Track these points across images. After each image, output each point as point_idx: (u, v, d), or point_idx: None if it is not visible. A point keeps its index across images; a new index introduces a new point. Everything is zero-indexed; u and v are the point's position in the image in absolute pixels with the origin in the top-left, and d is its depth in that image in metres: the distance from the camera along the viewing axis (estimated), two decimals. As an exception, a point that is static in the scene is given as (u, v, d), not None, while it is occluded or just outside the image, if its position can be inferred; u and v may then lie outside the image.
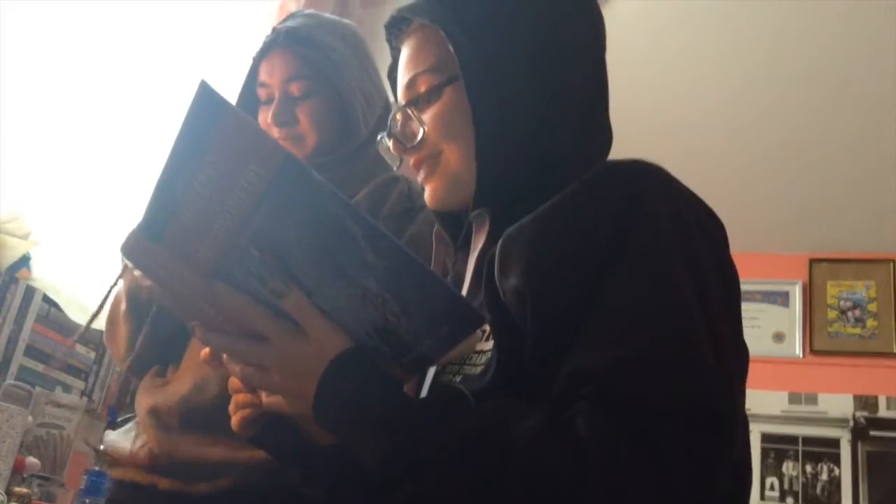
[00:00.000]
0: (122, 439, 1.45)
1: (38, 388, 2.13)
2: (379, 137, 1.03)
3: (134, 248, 0.76)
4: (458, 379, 0.84)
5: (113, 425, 1.60)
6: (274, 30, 1.51)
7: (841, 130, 3.36)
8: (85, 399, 2.34)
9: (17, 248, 2.06)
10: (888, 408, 3.69)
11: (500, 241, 0.86)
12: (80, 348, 2.36)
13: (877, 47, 2.99)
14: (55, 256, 2.13)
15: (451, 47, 0.94)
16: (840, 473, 3.64)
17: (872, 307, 3.88)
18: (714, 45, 3.12)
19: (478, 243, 0.96)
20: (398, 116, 1.01)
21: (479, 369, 0.82)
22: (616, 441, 0.69)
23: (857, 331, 3.86)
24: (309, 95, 1.48)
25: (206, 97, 0.67)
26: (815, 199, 3.71)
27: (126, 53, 2.28)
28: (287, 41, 1.48)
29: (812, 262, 4.00)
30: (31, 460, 2.00)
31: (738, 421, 0.77)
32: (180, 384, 1.40)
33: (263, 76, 1.50)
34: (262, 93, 1.51)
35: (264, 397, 0.84)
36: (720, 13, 3.02)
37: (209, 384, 1.36)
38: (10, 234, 1.99)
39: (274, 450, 0.96)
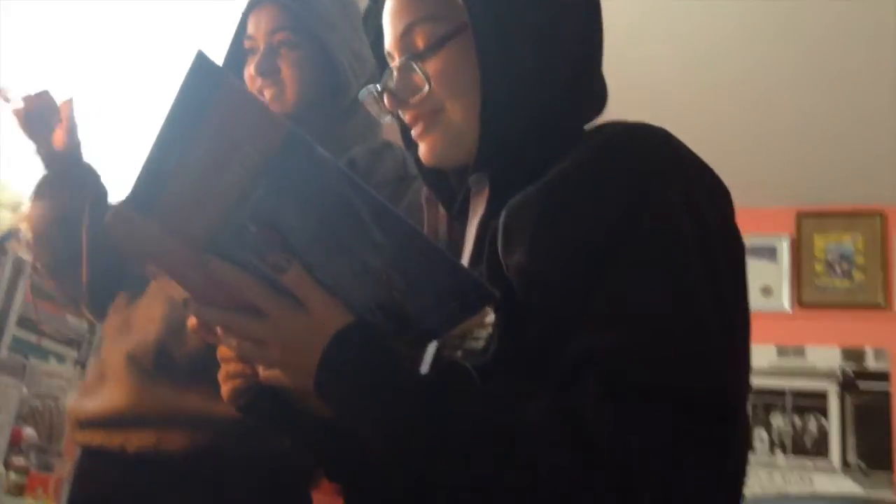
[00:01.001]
0: (82, 398, 1.44)
1: (31, 359, 2.13)
2: (364, 90, 0.97)
3: (121, 220, 0.74)
4: (459, 354, 0.83)
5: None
6: None
7: (827, 83, 3.35)
8: (79, 368, 2.34)
9: (7, 221, 2.04)
10: (875, 360, 3.73)
11: (503, 213, 0.83)
12: (71, 318, 2.35)
13: (864, 3, 2.98)
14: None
15: None
16: (828, 425, 3.69)
17: (860, 259, 3.90)
18: (702, 1, 3.10)
19: (477, 210, 0.93)
20: (395, 68, 0.95)
21: (480, 344, 0.81)
22: (625, 433, 0.68)
23: (845, 283, 3.89)
24: (293, 46, 1.48)
25: (204, 68, 0.64)
26: (801, 152, 3.71)
27: (112, 48, 2.26)
28: None
29: (799, 215, 4.01)
30: (28, 431, 2.01)
31: (745, 403, 0.77)
32: (150, 324, 1.39)
33: (250, 28, 1.50)
34: (248, 44, 1.51)
35: (261, 371, 0.83)
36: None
37: (185, 328, 1.34)
38: (1, 206, 1.97)
39: (266, 419, 0.95)
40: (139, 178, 0.70)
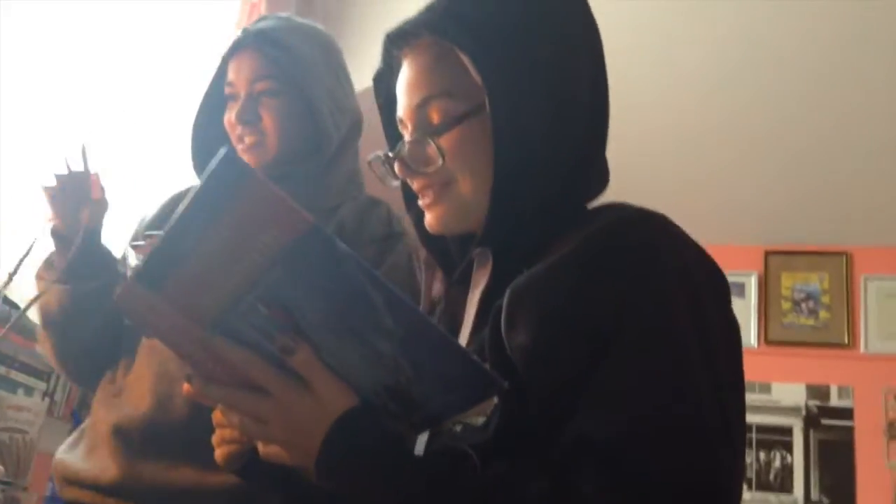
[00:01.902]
0: (72, 456, 1.42)
1: (0, 391, 2.10)
2: (374, 156, 0.99)
3: (130, 295, 0.74)
4: (458, 428, 0.84)
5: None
6: (244, 30, 1.50)
7: (799, 126, 3.41)
8: (47, 401, 2.31)
9: (-22, 253, 2.02)
10: (839, 397, 3.78)
11: (507, 293, 0.84)
12: (39, 349, 2.32)
13: (843, 47, 3.04)
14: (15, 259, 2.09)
15: (474, 73, 0.91)
16: (793, 461, 3.73)
17: (825, 299, 3.96)
18: (677, 42, 3.15)
19: (479, 282, 0.95)
20: (408, 139, 0.97)
21: (480, 421, 0.82)
22: None
23: (811, 322, 3.94)
24: (274, 95, 1.46)
25: (230, 164, 0.66)
26: (770, 192, 3.77)
27: (92, 59, 2.25)
28: (256, 41, 1.47)
29: (767, 253, 4.07)
30: (-6, 466, 1.98)
31: (740, 485, 0.78)
32: (139, 397, 1.37)
33: (231, 75, 1.48)
34: (228, 91, 1.49)
35: (261, 447, 0.83)
36: (684, 11, 3.05)
37: (173, 403, 1.34)
38: (-29, 238, 1.95)
39: (259, 481, 0.95)
40: (151, 256, 0.72)
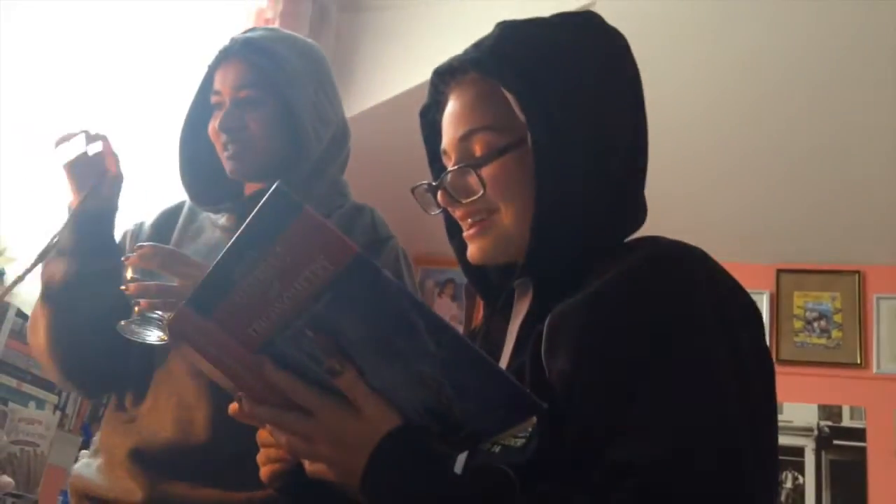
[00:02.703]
0: (90, 473, 1.42)
1: (11, 404, 2.11)
2: (418, 185, 1.04)
3: (182, 321, 0.78)
4: (496, 449, 0.86)
5: (87, 444, 1.57)
6: (231, 39, 1.52)
7: (809, 143, 3.41)
8: (59, 414, 2.32)
9: (-9, 265, 2.03)
10: (852, 417, 3.76)
11: (548, 319, 0.87)
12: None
13: (846, 65, 3.04)
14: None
15: (517, 109, 0.95)
16: (804, 482, 3.71)
17: (838, 318, 3.94)
18: (685, 60, 3.16)
19: (520, 311, 0.98)
20: (452, 169, 1.01)
21: (519, 442, 0.84)
22: None
23: (823, 341, 3.93)
24: (257, 103, 1.47)
25: (282, 197, 0.69)
26: (783, 210, 3.76)
27: (102, 64, 2.26)
28: (242, 50, 1.48)
29: (779, 272, 4.06)
30: (5, 479, 1.99)
31: None
32: (158, 425, 1.38)
33: (217, 83, 1.50)
34: (214, 99, 1.50)
35: (307, 465, 0.86)
36: (690, 28, 3.06)
37: (193, 428, 1.35)
38: (-15, 250, 1.97)
39: (300, 499, 0.97)
40: (203, 283, 0.75)
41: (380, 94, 3.36)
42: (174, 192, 1.62)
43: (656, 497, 0.73)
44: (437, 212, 1.04)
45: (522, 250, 0.96)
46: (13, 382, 2.19)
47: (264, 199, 0.69)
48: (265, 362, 0.77)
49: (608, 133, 0.97)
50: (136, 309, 1.26)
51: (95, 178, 1.38)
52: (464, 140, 1.00)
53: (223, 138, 1.47)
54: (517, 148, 0.96)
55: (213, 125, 1.49)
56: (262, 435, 0.91)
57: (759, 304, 3.34)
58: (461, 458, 0.86)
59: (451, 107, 1.03)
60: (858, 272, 3.97)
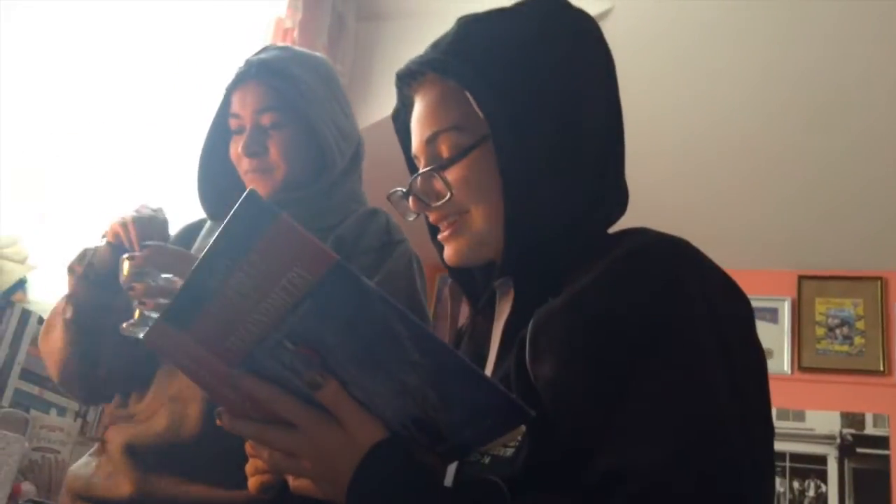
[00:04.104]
0: (86, 472, 1.43)
1: (33, 412, 2.12)
2: (393, 191, 1.02)
3: (158, 335, 0.76)
4: (486, 460, 0.84)
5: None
6: (246, 61, 1.52)
7: (831, 149, 3.39)
8: (80, 421, 2.33)
9: (13, 272, 2.05)
10: (875, 425, 3.72)
11: (531, 324, 0.85)
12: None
13: (867, 70, 3.02)
14: (51, 280, 2.13)
15: (476, 107, 0.93)
16: (827, 490, 3.67)
17: (860, 325, 3.91)
18: (705, 66, 3.14)
19: (502, 312, 0.96)
20: (420, 174, 0.99)
21: (509, 452, 0.82)
22: None
23: (845, 348, 3.89)
24: (280, 127, 1.48)
25: (254, 204, 0.67)
26: (804, 216, 3.74)
27: (122, 74, 2.28)
28: (259, 73, 1.49)
29: (801, 278, 4.03)
30: (27, 486, 2.00)
31: None
32: (153, 421, 1.39)
33: (236, 107, 1.50)
34: (233, 123, 1.51)
35: (291, 480, 0.84)
36: (710, 35, 3.05)
37: (186, 422, 1.35)
38: (8, 258, 1.98)
39: None
40: (178, 297, 0.73)
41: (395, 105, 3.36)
42: (193, 208, 1.63)
43: (652, 503, 0.71)
44: (414, 217, 1.02)
45: (498, 249, 0.94)
46: (35, 390, 2.20)
47: (237, 205, 0.67)
48: (245, 375, 0.75)
49: (576, 123, 0.94)
50: (139, 310, 1.27)
51: (156, 238, 1.40)
52: (430, 143, 0.98)
53: (246, 163, 1.49)
54: (481, 146, 0.94)
55: (235, 150, 1.50)
56: (250, 446, 0.89)
57: (780, 311, 3.31)
58: (451, 469, 0.84)
59: (416, 110, 1.01)
60: (881, 278, 3.93)
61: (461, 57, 0.95)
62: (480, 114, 0.93)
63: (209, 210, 1.58)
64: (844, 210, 3.66)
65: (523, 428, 0.79)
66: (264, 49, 1.59)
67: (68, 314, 1.44)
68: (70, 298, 1.45)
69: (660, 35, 3.02)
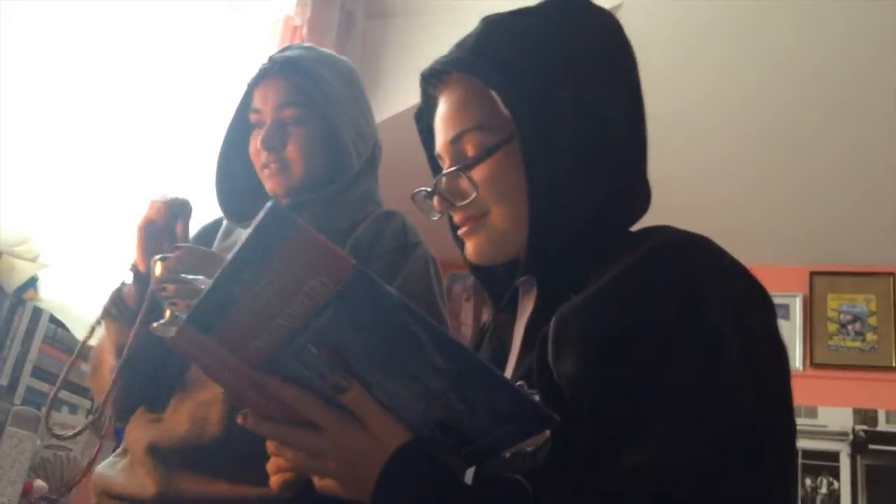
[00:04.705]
0: (113, 472, 1.44)
1: (44, 409, 2.13)
2: (417, 191, 1.03)
3: (183, 338, 0.77)
4: (508, 456, 0.84)
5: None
6: (270, 58, 1.53)
7: (843, 144, 3.37)
8: (91, 419, 2.34)
9: (25, 271, 2.06)
10: (888, 422, 3.70)
11: (553, 321, 0.85)
12: (85, 367, 2.36)
13: (879, 64, 3.01)
14: (62, 277, 2.13)
15: (502, 107, 0.93)
16: (839, 487, 3.66)
17: (872, 321, 3.89)
18: (715, 62, 3.13)
19: (525, 310, 0.97)
20: (445, 173, 0.99)
21: (530, 448, 0.83)
22: None
23: (857, 344, 3.88)
24: (300, 123, 1.49)
25: (277, 215, 0.69)
26: (816, 212, 3.73)
27: (133, 73, 2.28)
28: (282, 69, 1.50)
29: (813, 274, 4.01)
30: (39, 483, 2.01)
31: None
32: (176, 423, 1.40)
33: (257, 102, 1.51)
34: (254, 118, 1.52)
35: (316, 480, 0.85)
36: (722, 29, 3.03)
37: (208, 424, 1.36)
38: (19, 256, 1.99)
39: None
40: (201, 302, 0.74)
41: (407, 100, 3.36)
42: (210, 208, 1.63)
43: (673, 501, 0.71)
44: (437, 217, 1.03)
45: (521, 248, 0.95)
46: (46, 388, 2.21)
47: (260, 216, 0.69)
48: (269, 378, 0.76)
49: (600, 122, 0.95)
50: (170, 310, 1.27)
51: (164, 243, 1.39)
52: (455, 142, 0.99)
53: (264, 157, 1.49)
54: (507, 145, 0.95)
55: (255, 144, 1.51)
56: (273, 445, 0.90)
57: (792, 308, 3.30)
58: (470, 469, 0.85)
59: (440, 110, 1.02)
60: (892, 274, 3.91)
61: (486, 56, 0.96)
62: (506, 113, 0.93)
63: (227, 210, 1.58)
64: (856, 206, 3.64)
65: (547, 433, 0.80)
66: (289, 47, 1.60)
67: (113, 360, 1.44)
68: (114, 345, 1.45)
69: (670, 30, 3.01)
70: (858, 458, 3.69)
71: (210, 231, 1.64)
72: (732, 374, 0.77)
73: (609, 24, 1.02)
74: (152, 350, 1.40)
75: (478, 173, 0.96)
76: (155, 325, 1.27)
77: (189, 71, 2.46)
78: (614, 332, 0.80)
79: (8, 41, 1.92)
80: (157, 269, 1.27)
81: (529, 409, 0.74)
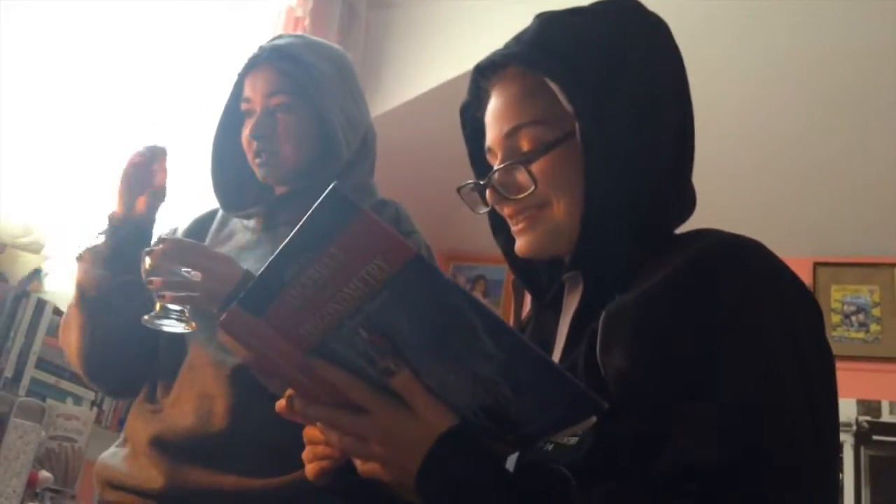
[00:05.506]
0: (117, 462, 1.45)
1: (49, 400, 2.14)
2: (464, 184, 1.03)
3: (234, 320, 0.77)
4: (549, 447, 0.85)
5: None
6: (260, 47, 1.53)
7: (846, 135, 3.37)
8: (96, 410, 2.35)
9: (29, 263, 2.07)
10: (891, 412, 3.70)
11: (602, 317, 0.86)
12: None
13: (882, 54, 3.00)
14: (66, 269, 2.14)
15: (564, 101, 0.93)
16: (843, 478, 3.66)
17: (876, 312, 3.89)
18: (714, 54, 3.12)
19: (570, 306, 0.97)
20: (500, 166, 0.99)
21: (573, 441, 0.83)
22: None
23: (861, 335, 3.87)
24: (289, 111, 1.49)
25: (339, 199, 0.69)
26: (819, 203, 3.72)
27: (135, 63, 2.28)
28: (271, 57, 1.50)
29: (816, 265, 4.01)
30: (44, 474, 2.02)
31: None
32: (180, 414, 1.40)
33: (247, 91, 1.51)
34: (245, 107, 1.52)
35: (359, 464, 0.85)
36: (725, 22, 3.03)
37: (213, 417, 1.37)
38: (24, 248, 2.00)
39: (347, 496, 0.97)
40: (255, 283, 0.75)
41: (409, 90, 3.36)
42: (205, 199, 1.63)
43: (721, 501, 0.71)
44: (485, 210, 1.02)
45: (571, 243, 0.95)
46: (51, 379, 2.22)
47: (320, 200, 0.68)
48: (318, 361, 0.76)
49: (655, 122, 0.95)
50: (159, 303, 1.28)
51: (142, 189, 1.41)
52: (510, 136, 0.98)
53: (255, 145, 1.49)
54: (566, 141, 0.94)
55: (245, 132, 1.51)
56: (310, 432, 0.91)
57: (795, 298, 3.23)
58: (511, 457, 0.85)
59: (495, 103, 1.01)
60: (896, 265, 3.91)
61: (547, 51, 0.95)
62: (569, 107, 0.93)
63: (223, 200, 1.58)
64: (859, 196, 3.63)
65: (594, 419, 0.79)
66: (279, 36, 1.60)
67: (74, 300, 1.46)
68: (78, 300, 1.46)
69: (679, 17, 3.00)
70: (862, 448, 3.69)
71: (205, 222, 1.64)
72: (781, 378, 0.77)
73: (662, 28, 1.02)
74: (119, 298, 1.41)
75: (537, 167, 0.95)
76: (146, 317, 1.27)
77: (192, 64, 2.46)
78: (666, 330, 0.80)
79: (8, 41, 1.92)
80: (146, 262, 1.28)
81: (578, 394, 0.74)
